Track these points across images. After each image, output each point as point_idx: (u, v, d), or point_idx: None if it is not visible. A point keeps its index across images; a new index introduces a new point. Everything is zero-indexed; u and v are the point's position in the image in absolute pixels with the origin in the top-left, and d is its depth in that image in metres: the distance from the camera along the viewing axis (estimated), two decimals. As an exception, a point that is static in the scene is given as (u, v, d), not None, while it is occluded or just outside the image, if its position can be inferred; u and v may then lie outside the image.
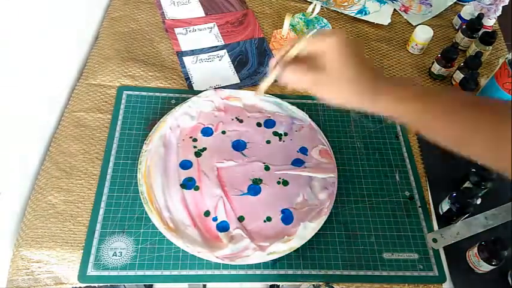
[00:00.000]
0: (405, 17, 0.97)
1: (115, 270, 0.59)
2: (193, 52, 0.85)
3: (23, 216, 0.64)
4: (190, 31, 0.89)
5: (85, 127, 0.72)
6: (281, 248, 0.61)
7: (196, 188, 0.66)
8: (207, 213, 0.64)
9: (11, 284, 0.59)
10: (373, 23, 0.94)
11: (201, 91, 0.76)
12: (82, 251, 0.60)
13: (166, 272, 0.60)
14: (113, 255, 0.60)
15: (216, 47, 0.87)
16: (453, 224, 0.67)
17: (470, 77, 0.76)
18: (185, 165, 0.69)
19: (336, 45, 0.44)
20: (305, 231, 0.62)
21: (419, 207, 0.69)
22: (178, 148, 0.70)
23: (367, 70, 0.45)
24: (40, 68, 0.69)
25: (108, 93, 0.77)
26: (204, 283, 0.62)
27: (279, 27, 0.92)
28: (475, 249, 0.62)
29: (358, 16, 0.96)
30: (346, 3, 0.98)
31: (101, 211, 0.64)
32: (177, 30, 0.88)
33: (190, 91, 0.79)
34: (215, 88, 0.78)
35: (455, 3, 1.01)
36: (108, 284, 0.60)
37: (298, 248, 0.62)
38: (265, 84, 0.50)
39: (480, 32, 0.88)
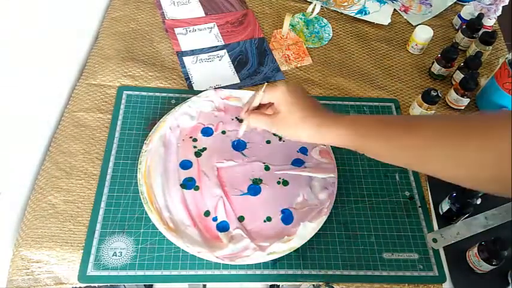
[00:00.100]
0: (405, 17, 0.97)
1: (115, 270, 0.59)
2: (193, 52, 0.85)
3: (23, 216, 0.64)
4: (190, 31, 0.89)
5: (85, 127, 0.72)
6: (281, 248, 0.61)
7: (196, 188, 0.66)
8: (207, 213, 0.64)
9: (11, 284, 0.59)
10: (373, 23, 0.94)
11: (201, 91, 0.76)
12: (82, 251, 0.60)
13: (166, 272, 0.60)
14: (113, 255, 0.60)
15: (216, 47, 0.87)
16: (453, 224, 0.67)
17: (470, 77, 0.76)
18: (185, 165, 0.69)
19: (281, 94, 0.54)
20: (305, 231, 0.62)
21: (419, 207, 0.69)
22: (178, 148, 0.70)
23: (310, 110, 0.53)
24: (40, 68, 0.69)
25: (108, 93, 0.77)
26: (204, 283, 0.62)
27: (279, 27, 0.92)
28: (475, 249, 0.62)
29: (358, 16, 0.96)
30: (346, 3, 0.98)
31: (101, 211, 0.64)
32: (177, 30, 0.88)
33: (190, 91, 0.79)
34: (215, 88, 0.78)
35: (455, 3, 1.01)
36: (108, 284, 0.60)
37: (298, 248, 0.61)
38: (243, 129, 0.61)
39: (480, 32, 0.88)
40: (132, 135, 0.72)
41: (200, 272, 0.60)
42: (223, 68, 0.84)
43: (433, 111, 0.76)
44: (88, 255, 0.60)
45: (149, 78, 0.79)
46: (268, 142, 0.73)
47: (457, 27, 0.96)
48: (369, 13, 0.96)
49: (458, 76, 0.82)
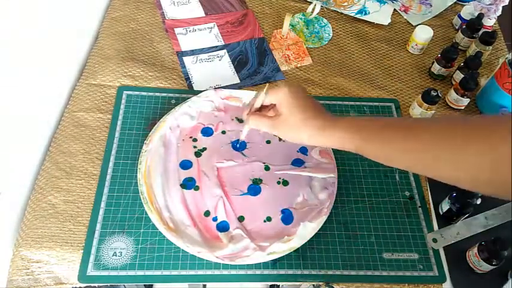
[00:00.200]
0: (405, 17, 0.97)
1: (115, 270, 0.59)
2: (193, 52, 0.85)
3: (23, 216, 0.64)
4: (190, 31, 0.89)
5: (85, 127, 0.72)
6: (281, 248, 0.61)
7: (196, 188, 0.66)
8: (207, 213, 0.64)
9: (11, 284, 0.59)
10: (373, 23, 0.94)
11: (201, 91, 0.76)
12: (82, 251, 0.60)
13: (166, 272, 0.60)
14: (113, 255, 0.60)
15: (216, 47, 0.87)
16: (453, 224, 0.67)
17: (470, 77, 0.76)
18: (185, 165, 0.69)
19: (283, 95, 0.54)
20: (305, 231, 0.62)
21: (419, 207, 0.69)
22: (178, 148, 0.70)
23: (311, 111, 0.53)
24: (40, 68, 0.69)
25: (108, 93, 0.77)
26: (204, 283, 0.62)
27: (279, 27, 0.92)
28: (475, 249, 0.62)
29: (358, 16, 0.96)
30: (346, 3, 0.98)
31: (101, 211, 0.64)
32: (177, 30, 0.88)
33: (190, 91, 0.79)
34: (215, 88, 0.78)
35: (455, 3, 1.01)
36: (108, 284, 0.60)
37: (298, 248, 0.61)
38: (245, 131, 0.61)
39: (480, 32, 0.88)
40: (132, 135, 0.72)
41: (200, 272, 0.60)
42: (223, 68, 0.84)
43: (433, 111, 0.76)
44: (88, 255, 0.60)
45: (149, 78, 0.79)
46: (268, 142, 0.73)
47: (457, 27, 0.96)
48: (369, 13, 0.96)
49: (458, 76, 0.83)
